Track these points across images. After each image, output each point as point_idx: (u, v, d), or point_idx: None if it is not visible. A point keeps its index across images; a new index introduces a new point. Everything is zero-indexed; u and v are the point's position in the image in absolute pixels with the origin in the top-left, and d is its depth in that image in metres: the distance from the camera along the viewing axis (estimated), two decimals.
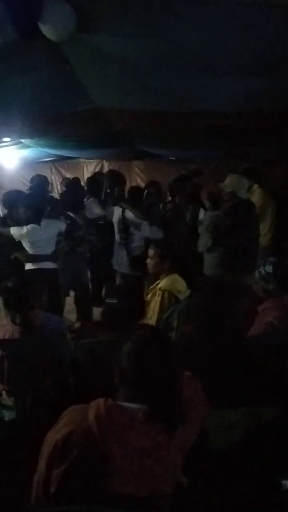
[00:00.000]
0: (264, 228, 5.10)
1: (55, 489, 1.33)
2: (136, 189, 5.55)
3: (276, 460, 1.68)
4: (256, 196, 5.27)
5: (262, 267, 2.77)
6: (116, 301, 2.35)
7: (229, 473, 1.71)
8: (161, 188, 6.23)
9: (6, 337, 2.35)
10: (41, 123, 3.98)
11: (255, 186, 5.37)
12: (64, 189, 6.07)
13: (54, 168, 8.99)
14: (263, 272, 2.73)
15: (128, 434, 1.33)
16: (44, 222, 4.16)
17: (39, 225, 4.13)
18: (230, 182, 4.14)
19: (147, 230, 4.80)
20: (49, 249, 4.24)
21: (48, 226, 4.21)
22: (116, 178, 6.02)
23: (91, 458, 1.32)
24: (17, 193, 4.65)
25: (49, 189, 5.84)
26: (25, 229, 4.10)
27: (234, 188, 4.10)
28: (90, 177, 6.72)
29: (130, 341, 1.42)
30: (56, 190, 8.70)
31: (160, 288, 3.27)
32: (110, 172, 6.89)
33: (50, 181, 8.07)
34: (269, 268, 2.72)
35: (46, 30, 1.97)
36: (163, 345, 1.43)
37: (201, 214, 5.31)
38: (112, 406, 1.37)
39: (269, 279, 2.71)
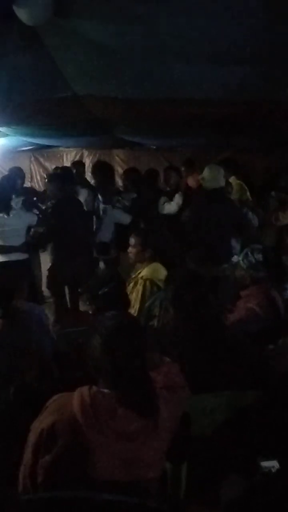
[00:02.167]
0: None
1: (42, 477, 1.34)
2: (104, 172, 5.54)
3: (256, 442, 1.71)
4: (233, 187, 5.33)
5: (250, 255, 2.72)
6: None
7: (211, 456, 1.74)
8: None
9: None
10: (19, 110, 3.90)
11: (232, 178, 5.43)
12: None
13: (33, 157, 8.86)
14: (253, 260, 2.69)
15: (111, 420, 1.35)
16: (14, 212, 4.14)
17: (8, 215, 4.10)
18: (208, 174, 4.19)
19: (113, 215, 4.84)
20: (18, 241, 4.21)
21: (19, 217, 4.18)
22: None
23: (77, 445, 1.33)
24: None
25: (22, 180, 5.74)
26: None
27: (210, 179, 4.16)
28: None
29: (97, 329, 1.44)
30: (36, 179, 8.59)
31: (142, 277, 3.28)
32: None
33: (29, 170, 7.97)
34: (258, 257, 2.69)
35: (21, 13, 1.93)
36: (130, 332, 1.44)
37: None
38: (96, 393, 1.38)
39: (259, 267, 2.69)
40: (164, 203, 5.14)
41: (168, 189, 5.42)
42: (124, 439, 1.35)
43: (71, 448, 1.33)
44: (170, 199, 5.17)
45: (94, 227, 4.90)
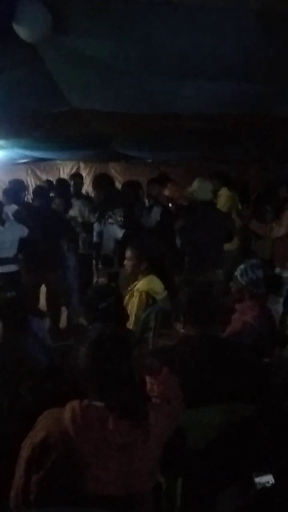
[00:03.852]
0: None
1: (35, 494, 1.32)
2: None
3: (251, 456, 1.70)
4: (223, 199, 5.41)
5: (250, 272, 2.66)
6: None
7: (206, 471, 1.73)
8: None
9: None
10: (17, 124, 3.95)
11: (223, 189, 5.50)
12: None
13: (29, 170, 8.89)
14: (254, 277, 2.63)
15: (103, 433, 1.34)
16: (7, 224, 4.19)
17: (3, 226, 4.16)
18: (197, 186, 4.38)
19: (107, 229, 4.92)
20: (11, 252, 4.24)
21: (12, 229, 4.23)
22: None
23: (69, 460, 1.32)
24: None
25: (23, 192, 5.80)
26: None
27: (200, 191, 4.34)
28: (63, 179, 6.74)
29: (83, 342, 1.44)
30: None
31: (137, 289, 3.28)
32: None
33: (26, 183, 8.00)
34: (259, 273, 2.64)
35: (21, 31, 1.96)
36: (116, 344, 1.43)
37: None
38: (87, 407, 1.37)
39: (259, 284, 2.63)
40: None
41: (148, 201, 5.49)
42: (117, 451, 1.34)
43: (63, 463, 1.31)
44: (149, 212, 5.23)
45: (94, 240, 4.94)
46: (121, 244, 4.63)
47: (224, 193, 5.48)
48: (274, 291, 2.77)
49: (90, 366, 1.39)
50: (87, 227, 5.14)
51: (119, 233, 4.82)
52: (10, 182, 5.85)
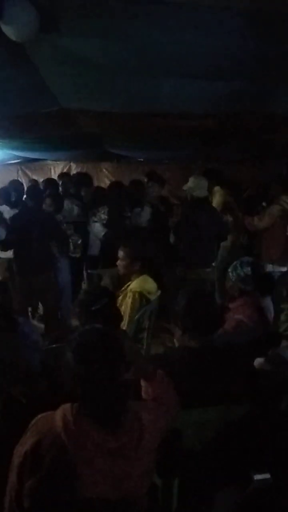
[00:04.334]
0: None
1: (29, 501, 1.30)
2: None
3: (247, 456, 1.70)
4: (217, 197, 5.44)
5: (239, 268, 2.73)
6: None
7: (203, 471, 1.73)
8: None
9: None
10: (7, 124, 3.91)
11: (217, 187, 5.53)
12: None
13: (20, 170, 8.83)
14: (242, 274, 2.70)
15: (95, 437, 1.32)
16: None
17: None
18: (192, 184, 4.41)
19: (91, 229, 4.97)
20: None
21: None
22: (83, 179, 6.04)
23: (62, 465, 1.30)
24: None
25: (18, 193, 5.78)
26: None
27: (195, 189, 4.38)
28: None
29: (70, 344, 1.40)
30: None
31: (131, 290, 3.28)
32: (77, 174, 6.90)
33: None
34: (247, 270, 2.70)
35: (8, 30, 1.93)
36: (102, 346, 1.38)
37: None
38: (79, 411, 1.36)
39: (247, 280, 2.69)
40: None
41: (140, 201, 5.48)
42: (110, 455, 1.33)
43: (57, 468, 1.30)
44: (141, 211, 5.23)
45: (80, 241, 4.94)
46: (104, 244, 4.66)
47: (218, 191, 5.51)
48: (265, 290, 2.79)
49: (75, 370, 1.36)
50: (76, 227, 5.11)
51: (101, 232, 4.82)
52: (9, 183, 5.86)
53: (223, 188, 5.57)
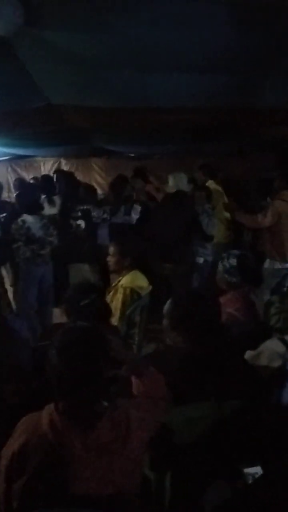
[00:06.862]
0: (218, 222, 5.30)
1: (18, 501, 1.29)
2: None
3: (239, 450, 1.71)
4: (212, 191, 5.39)
5: (226, 260, 2.75)
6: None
7: (195, 464, 1.73)
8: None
9: None
10: None
11: (210, 182, 5.54)
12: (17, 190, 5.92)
13: (10, 167, 8.77)
14: (227, 265, 2.72)
15: (82, 434, 1.32)
16: None
17: None
18: (172, 182, 4.55)
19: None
20: None
21: None
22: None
23: (50, 464, 1.29)
24: None
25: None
26: None
27: (176, 184, 4.51)
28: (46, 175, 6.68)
29: (54, 342, 1.39)
30: (13, 190, 8.51)
31: (122, 285, 3.27)
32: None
33: (6, 180, 7.90)
34: (233, 262, 2.71)
35: None
36: (86, 344, 1.37)
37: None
38: (64, 409, 1.35)
39: (233, 272, 2.70)
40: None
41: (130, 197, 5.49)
42: (97, 452, 1.32)
43: (45, 467, 1.29)
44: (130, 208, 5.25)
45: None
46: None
47: (210, 186, 5.51)
48: (253, 283, 2.80)
49: (58, 368, 1.34)
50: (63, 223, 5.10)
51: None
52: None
53: (216, 182, 5.58)
